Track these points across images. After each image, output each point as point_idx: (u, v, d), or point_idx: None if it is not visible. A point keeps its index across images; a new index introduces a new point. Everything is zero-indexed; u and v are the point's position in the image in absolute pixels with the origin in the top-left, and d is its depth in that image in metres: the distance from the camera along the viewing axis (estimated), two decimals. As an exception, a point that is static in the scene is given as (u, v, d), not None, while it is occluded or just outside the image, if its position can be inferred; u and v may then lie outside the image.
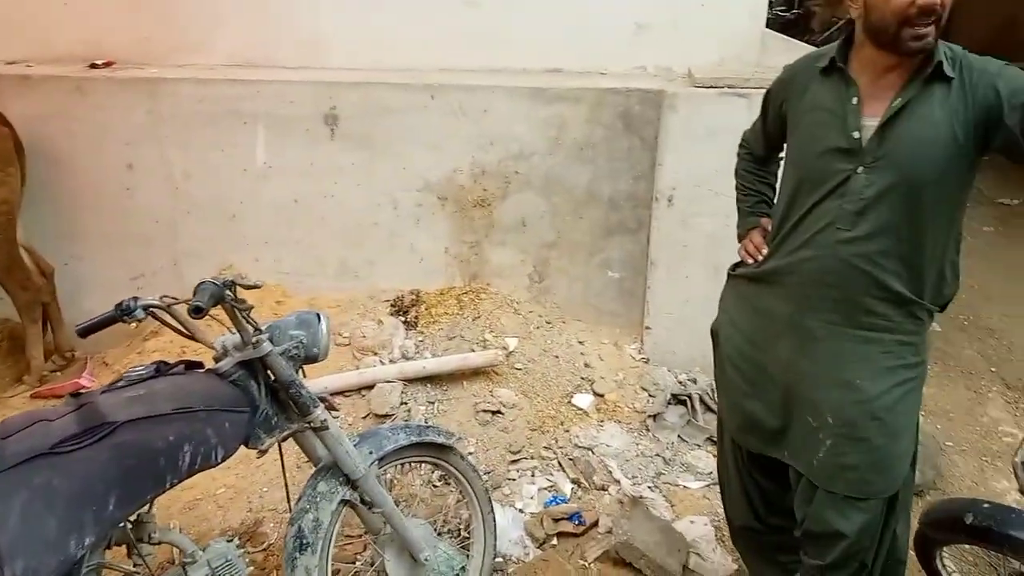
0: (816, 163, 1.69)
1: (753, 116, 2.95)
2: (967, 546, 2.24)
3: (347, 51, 3.56)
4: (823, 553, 1.91)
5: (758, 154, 2.08)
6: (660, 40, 3.42)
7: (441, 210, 3.49)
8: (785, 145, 1.88)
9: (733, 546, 2.37)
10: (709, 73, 3.20)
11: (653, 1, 3.39)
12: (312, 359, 1.97)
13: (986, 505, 2.07)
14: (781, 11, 16.47)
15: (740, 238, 2.05)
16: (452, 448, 2.29)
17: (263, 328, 1.87)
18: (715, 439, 2.62)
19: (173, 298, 1.75)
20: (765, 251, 1.88)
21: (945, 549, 2.29)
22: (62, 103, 3.46)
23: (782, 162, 1.97)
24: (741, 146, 2.15)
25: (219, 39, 3.66)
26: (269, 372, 1.88)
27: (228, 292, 1.71)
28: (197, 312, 1.61)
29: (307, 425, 1.95)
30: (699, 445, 3.04)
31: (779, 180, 1.96)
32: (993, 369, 3.69)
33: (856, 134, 1.62)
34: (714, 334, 2.07)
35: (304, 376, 2.00)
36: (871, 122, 1.62)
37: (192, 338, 1.86)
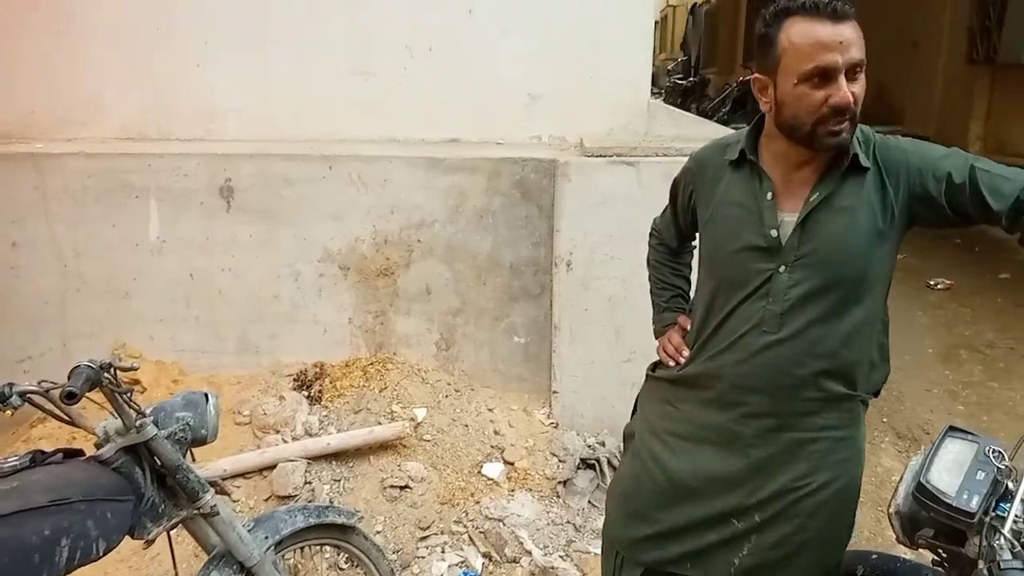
0: (734, 261, 1.62)
1: (642, 184, 3.13)
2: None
3: (241, 122, 3.55)
4: None
5: (670, 245, 1.99)
6: (552, 110, 3.54)
7: (344, 280, 3.45)
8: (698, 237, 1.82)
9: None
10: (600, 142, 3.32)
11: (545, 73, 3.52)
12: (200, 441, 1.89)
13: (874, 556, 2.12)
14: (679, 79, 17.49)
15: (657, 334, 1.95)
16: (354, 528, 2.22)
17: (147, 411, 1.79)
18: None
19: (52, 383, 1.66)
20: (686, 353, 1.77)
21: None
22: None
23: (695, 252, 1.95)
24: (652, 235, 2.05)
25: (108, 111, 3.58)
26: (155, 457, 1.79)
27: (106, 375, 1.63)
28: (70, 398, 1.53)
29: (196, 511, 1.85)
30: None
31: (695, 275, 1.89)
32: (885, 420, 3.86)
33: (774, 232, 1.56)
34: (627, 437, 1.96)
35: (193, 459, 1.91)
36: (789, 218, 1.57)
37: (73, 424, 1.76)
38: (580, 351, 3.38)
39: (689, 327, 1.81)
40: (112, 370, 1.65)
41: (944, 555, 1.67)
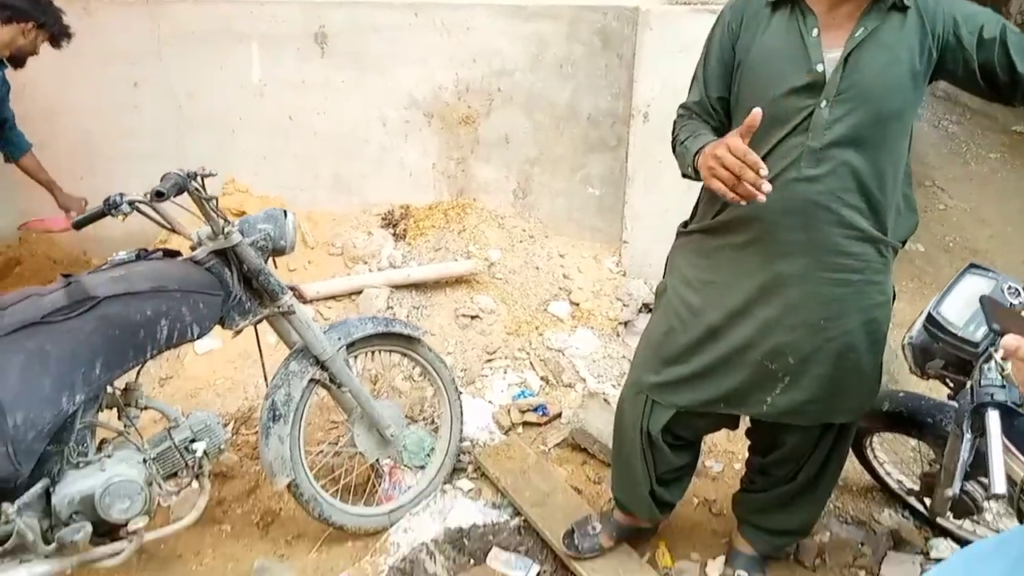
0: (777, 102, 1.61)
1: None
2: (890, 435, 2.40)
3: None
4: (765, 452, 2.08)
5: (701, 118, 1.81)
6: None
7: (428, 127, 3.63)
8: (734, 87, 1.73)
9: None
10: (684, -11, 3.25)
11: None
12: (280, 251, 2.16)
13: (901, 395, 2.22)
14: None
15: (694, 170, 1.66)
16: (419, 340, 2.50)
17: (232, 221, 2.07)
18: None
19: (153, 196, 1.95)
20: (754, 157, 1.48)
21: (874, 438, 2.45)
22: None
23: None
24: (679, 114, 1.90)
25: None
26: (241, 262, 2.08)
27: (192, 183, 1.89)
28: (159, 196, 1.80)
29: (277, 310, 2.16)
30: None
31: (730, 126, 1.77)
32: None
33: (820, 67, 1.57)
34: (658, 294, 2.00)
35: (275, 266, 2.20)
36: (832, 54, 1.58)
37: (173, 230, 2.07)
38: (652, 202, 3.45)
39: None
40: (199, 178, 1.92)
41: (952, 386, 1.76)
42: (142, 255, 2.03)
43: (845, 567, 2.31)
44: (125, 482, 1.86)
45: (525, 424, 2.83)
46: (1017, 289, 1.61)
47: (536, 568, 2.30)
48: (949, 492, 1.62)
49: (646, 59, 3.25)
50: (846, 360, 1.77)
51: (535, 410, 2.85)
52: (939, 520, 2.36)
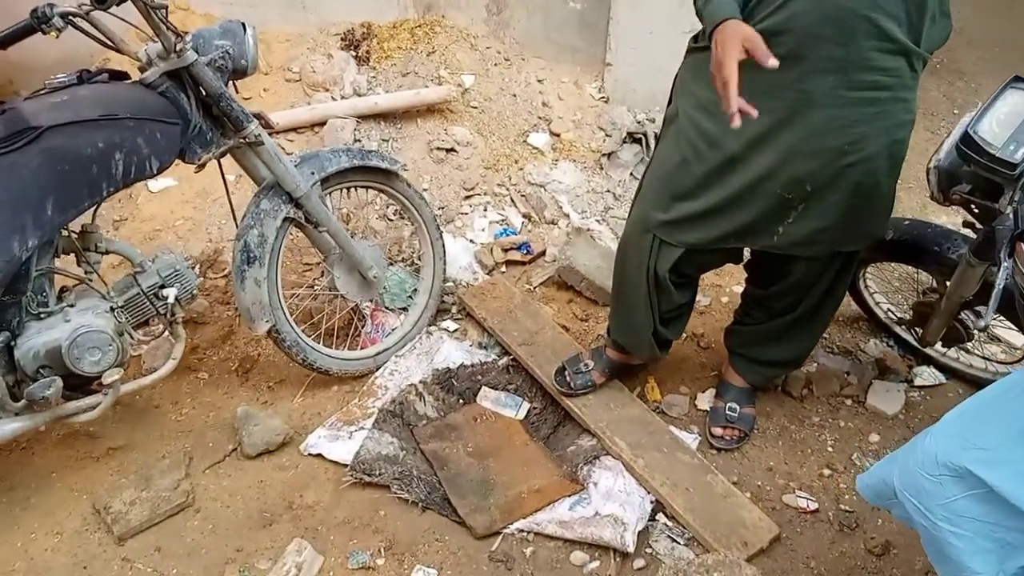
0: None
1: None
2: (888, 265, 2.35)
3: None
4: (766, 284, 2.01)
5: None
6: None
7: (390, -70, 3.23)
8: None
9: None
10: None
11: None
12: (241, 72, 1.91)
13: (906, 222, 2.14)
14: None
15: (711, 27, 1.49)
16: (397, 175, 2.30)
17: (186, 36, 1.79)
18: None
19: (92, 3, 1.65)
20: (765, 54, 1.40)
21: (869, 269, 2.40)
22: None
23: None
24: None
25: None
26: (198, 85, 1.83)
27: (136, -13, 1.60)
28: (99, 3, 1.52)
29: (243, 140, 1.93)
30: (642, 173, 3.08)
31: None
32: (956, 111, 3.66)
33: None
34: (668, 120, 1.83)
35: (236, 91, 1.95)
36: None
37: (115, 49, 1.78)
38: (640, 19, 3.17)
39: None
40: (142, -18, 1.62)
41: (976, 211, 1.67)
42: (84, 77, 1.76)
43: (832, 396, 2.33)
44: (93, 332, 1.71)
45: (509, 263, 2.72)
46: (1063, 105, 1.48)
47: (526, 405, 2.27)
48: (982, 322, 1.57)
49: None
50: (864, 187, 1.67)
51: (518, 248, 2.72)
52: (927, 348, 2.37)
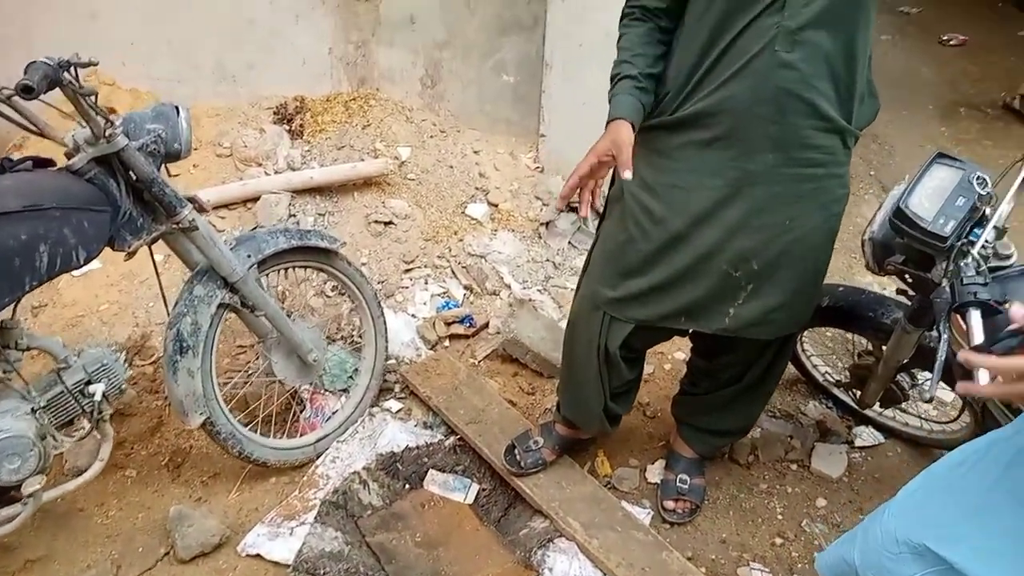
0: None
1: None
2: (825, 330, 2.40)
3: None
4: (712, 355, 2.02)
5: (656, 4, 1.64)
6: None
7: (322, 5, 3.22)
8: None
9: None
10: None
11: None
12: (174, 155, 1.84)
13: (841, 288, 2.20)
14: None
15: (607, 120, 1.59)
16: (337, 253, 2.25)
17: (116, 121, 1.73)
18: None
19: (11, 89, 1.57)
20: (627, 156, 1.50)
21: (805, 333, 2.46)
22: None
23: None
24: (627, 7, 1.70)
25: None
26: (128, 170, 1.75)
27: (65, 74, 1.53)
28: (27, 92, 1.44)
29: (175, 226, 1.85)
30: (588, 249, 3.10)
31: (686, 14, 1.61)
32: (872, 172, 3.84)
33: None
34: (611, 200, 1.83)
35: (168, 174, 1.88)
36: None
37: (39, 133, 1.70)
38: (570, 92, 3.24)
39: (672, 72, 1.62)
40: (72, 68, 1.55)
41: (910, 281, 1.72)
42: (7, 166, 1.67)
43: (777, 461, 2.34)
44: (12, 438, 1.59)
45: (452, 337, 2.67)
46: (984, 179, 1.55)
47: (475, 488, 2.20)
48: (927, 394, 1.60)
49: (564, -71, 2.96)
50: (807, 261, 1.70)
51: (461, 321, 2.69)
52: (866, 410, 2.42)
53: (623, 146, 1.51)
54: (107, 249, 1.79)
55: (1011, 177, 1.55)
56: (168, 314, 1.97)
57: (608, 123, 1.57)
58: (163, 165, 1.84)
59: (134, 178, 1.76)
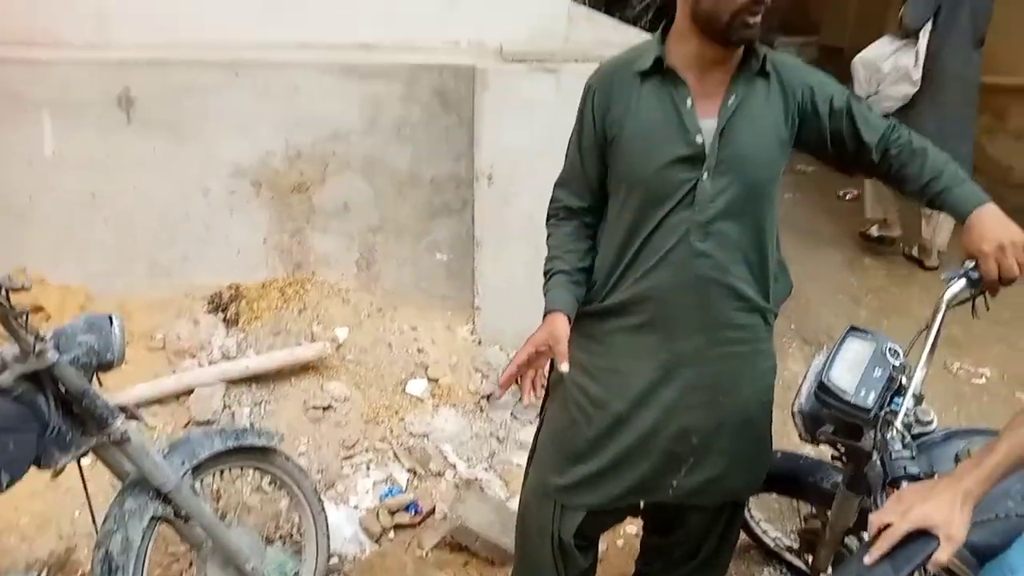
0: (658, 175, 1.58)
1: (562, 91, 3.05)
2: (770, 495, 2.41)
3: (138, 26, 3.26)
4: (663, 532, 2.00)
5: (579, 204, 1.75)
6: (470, 13, 3.36)
7: (256, 197, 3.31)
8: (610, 161, 1.68)
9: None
10: (519, 47, 3.21)
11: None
12: (107, 365, 1.81)
13: (779, 455, 2.24)
14: (601, -13, 17.08)
15: (544, 312, 1.67)
16: (275, 450, 2.19)
17: (46, 336, 1.70)
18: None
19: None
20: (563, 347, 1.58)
21: (752, 499, 2.46)
22: None
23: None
24: (552, 208, 1.81)
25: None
26: (58, 384, 1.71)
27: (-6, 296, 1.52)
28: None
29: (106, 438, 1.79)
30: (531, 421, 3.10)
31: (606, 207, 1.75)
32: (793, 327, 4.01)
33: (699, 139, 1.55)
34: (553, 385, 1.87)
35: (100, 384, 1.84)
36: (707, 123, 1.56)
37: (-39, 353, 1.66)
38: (502, 267, 3.36)
39: (598, 264, 1.73)
40: (2, 291, 1.54)
41: (843, 450, 1.77)
42: (-72, 388, 1.60)
43: (737, 632, 2.28)
44: None
45: (397, 527, 2.58)
46: (896, 350, 1.64)
47: None
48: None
49: (486, 120, 3.16)
50: (744, 432, 1.75)
51: (406, 509, 2.61)
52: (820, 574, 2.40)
53: (560, 338, 1.59)
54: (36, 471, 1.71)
55: (920, 345, 1.64)
56: (96, 530, 1.86)
57: (544, 315, 1.65)
58: (94, 376, 1.80)
59: (64, 391, 1.72)
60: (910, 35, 4.04)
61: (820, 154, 1.70)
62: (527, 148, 3.13)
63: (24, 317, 1.60)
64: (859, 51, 4.28)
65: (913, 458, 1.45)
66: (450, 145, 3.30)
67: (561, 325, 1.61)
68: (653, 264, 1.62)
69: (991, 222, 1.54)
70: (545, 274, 1.74)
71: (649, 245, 1.62)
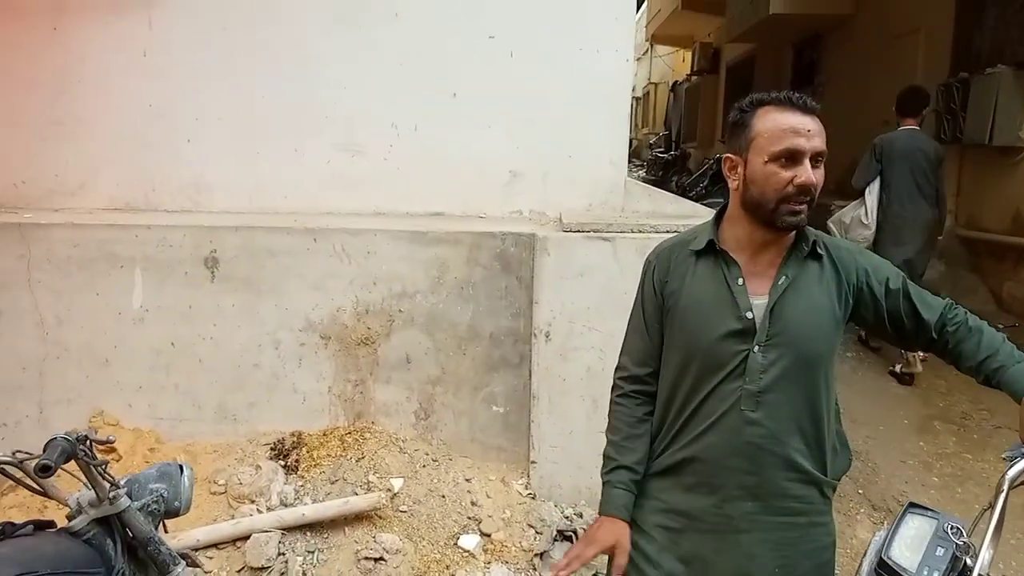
0: (712, 347, 1.65)
1: (618, 258, 3.21)
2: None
3: (229, 195, 3.65)
4: None
5: (644, 371, 1.83)
6: (533, 187, 3.67)
7: (324, 349, 3.49)
8: (665, 331, 1.78)
9: None
10: (578, 217, 3.43)
11: (526, 151, 3.66)
12: (174, 513, 1.90)
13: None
14: (660, 153, 17.93)
15: (600, 510, 1.78)
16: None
17: (120, 483, 1.81)
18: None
19: (27, 453, 1.69)
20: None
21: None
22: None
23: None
24: (618, 376, 1.89)
25: (99, 183, 3.67)
26: (127, 529, 1.80)
27: (81, 448, 1.65)
28: (44, 471, 1.55)
29: (166, 584, 1.85)
30: (584, 581, 3.03)
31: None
32: (860, 491, 3.87)
33: (749, 314, 1.63)
34: (613, 548, 1.82)
35: (166, 530, 1.92)
36: (758, 300, 1.64)
37: (46, 495, 1.78)
38: (558, 421, 3.41)
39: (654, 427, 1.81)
40: (88, 443, 1.68)
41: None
42: (7, 531, 1.71)
43: None
44: None
45: None
46: (959, 528, 1.61)
47: None
48: None
49: (544, 281, 3.32)
50: None
51: (454, 671, 2.54)
52: None
53: (624, 550, 1.72)
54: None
55: (984, 523, 1.60)
56: None
57: (604, 515, 1.76)
58: (161, 522, 1.89)
59: (131, 536, 1.80)
60: (860, 194, 5.52)
61: (879, 330, 1.74)
62: (585, 307, 3.28)
63: (104, 466, 1.72)
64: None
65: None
66: (509, 304, 3.46)
67: (626, 537, 1.73)
68: (705, 428, 1.67)
69: None
70: (606, 458, 1.81)
71: (702, 410, 1.68)
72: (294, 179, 3.64)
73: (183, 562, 1.88)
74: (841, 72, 11.01)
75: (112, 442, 1.71)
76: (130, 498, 1.80)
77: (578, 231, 3.31)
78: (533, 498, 3.41)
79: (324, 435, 3.46)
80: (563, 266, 3.29)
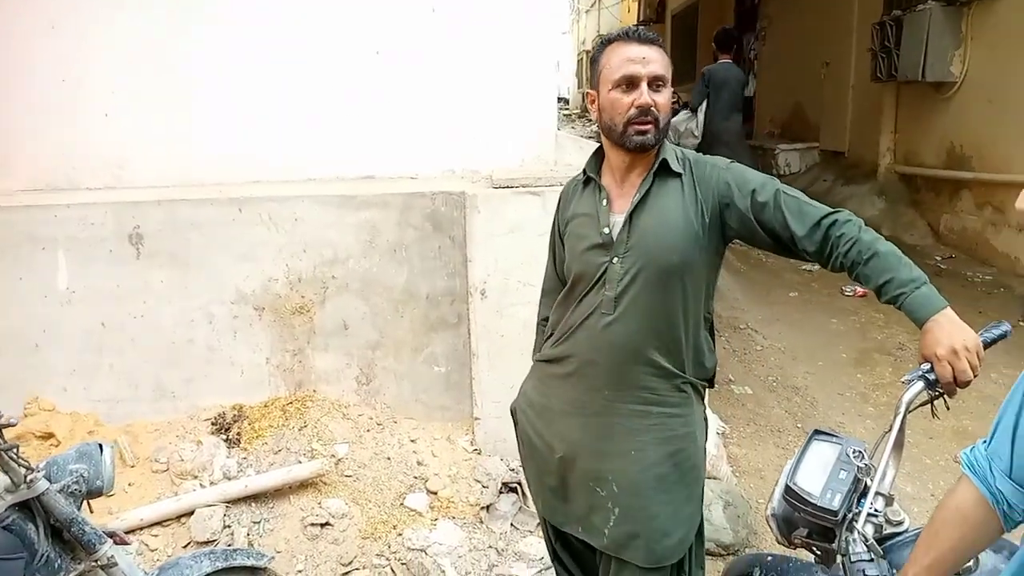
0: (581, 260, 1.90)
1: (548, 212, 3.19)
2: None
3: (152, 169, 3.55)
4: None
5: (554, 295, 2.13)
6: (464, 145, 3.63)
7: (259, 320, 3.45)
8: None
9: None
10: (511, 173, 3.42)
11: (455, 109, 3.61)
12: (97, 492, 1.89)
13: (769, 558, 2.22)
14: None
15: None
16: (265, 570, 2.22)
17: (39, 466, 1.79)
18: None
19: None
20: None
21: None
22: None
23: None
24: (539, 314, 2.24)
25: (14, 165, 3.55)
26: (48, 512, 1.78)
27: (-13, 433, 1.62)
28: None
29: (94, 564, 1.84)
30: (531, 531, 3.09)
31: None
32: (799, 425, 3.99)
33: (607, 230, 1.86)
34: (513, 413, 2.21)
35: (90, 510, 1.91)
36: (618, 218, 1.87)
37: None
38: (499, 377, 3.42)
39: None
40: (-6, 427, 1.64)
41: (818, 552, 1.77)
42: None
43: None
44: None
45: (392, 644, 2.56)
46: (860, 451, 1.67)
47: None
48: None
49: (477, 240, 3.31)
50: (660, 492, 1.87)
51: (402, 625, 2.59)
52: None
53: None
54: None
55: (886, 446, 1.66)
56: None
57: None
58: (84, 502, 1.87)
59: (53, 519, 1.79)
60: (694, 111, 7.11)
61: (758, 243, 1.85)
62: (518, 263, 3.28)
63: (15, 450, 1.69)
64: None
65: (872, 560, 1.47)
66: (444, 264, 3.45)
67: None
68: (575, 327, 1.91)
69: (946, 327, 1.60)
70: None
71: (575, 314, 1.92)
72: (219, 150, 3.56)
73: (110, 540, 1.87)
74: (781, 16, 11.07)
75: (13, 424, 1.67)
76: (49, 480, 1.78)
77: (508, 187, 3.31)
78: (479, 454, 3.45)
79: (265, 406, 3.44)
80: (494, 223, 3.29)
